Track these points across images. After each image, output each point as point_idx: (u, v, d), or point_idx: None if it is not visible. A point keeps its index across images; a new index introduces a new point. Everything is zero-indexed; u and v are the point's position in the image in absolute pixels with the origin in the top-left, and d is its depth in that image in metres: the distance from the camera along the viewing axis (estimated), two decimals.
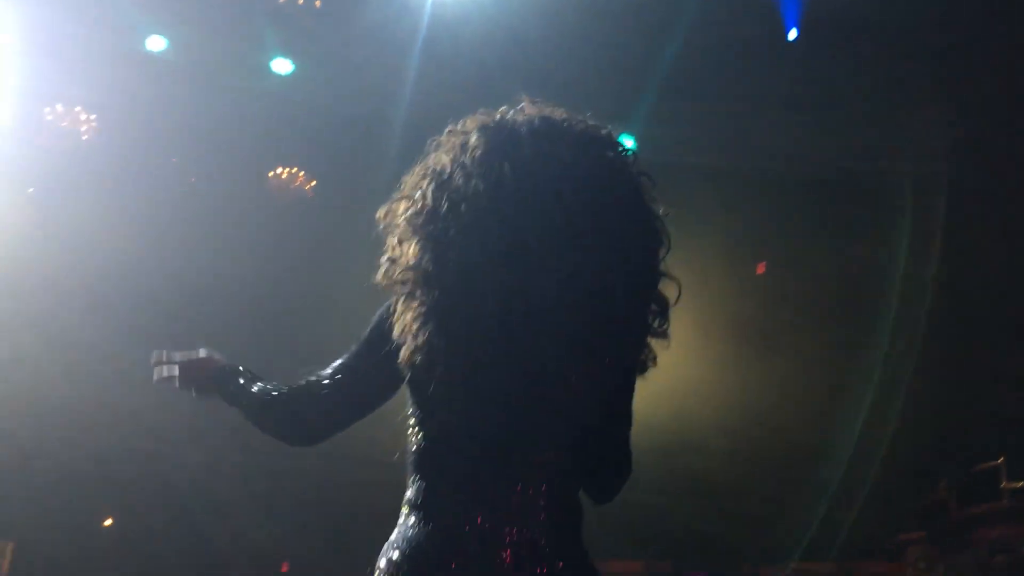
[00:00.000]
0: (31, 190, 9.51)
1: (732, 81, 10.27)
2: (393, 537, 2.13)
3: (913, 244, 10.85)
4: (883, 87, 10.27)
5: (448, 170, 2.11)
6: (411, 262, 2.07)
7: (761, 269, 11.93)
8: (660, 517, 11.26)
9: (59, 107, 9.90)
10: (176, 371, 2.54)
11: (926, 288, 10.89)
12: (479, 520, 2.03)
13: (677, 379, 10.80)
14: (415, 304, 2.05)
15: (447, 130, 2.23)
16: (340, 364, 2.26)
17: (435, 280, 2.03)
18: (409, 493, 2.15)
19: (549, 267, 1.99)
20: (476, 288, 1.99)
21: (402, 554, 2.06)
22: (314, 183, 11.69)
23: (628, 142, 10.58)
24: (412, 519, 2.10)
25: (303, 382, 2.29)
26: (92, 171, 9.60)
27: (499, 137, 2.11)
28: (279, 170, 11.60)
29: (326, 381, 2.24)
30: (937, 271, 10.87)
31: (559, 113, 2.18)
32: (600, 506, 2.24)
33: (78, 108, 9.94)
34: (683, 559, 12.18)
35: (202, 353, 2.54)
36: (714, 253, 11.15)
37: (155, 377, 2.56)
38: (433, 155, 2.19)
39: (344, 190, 10.22)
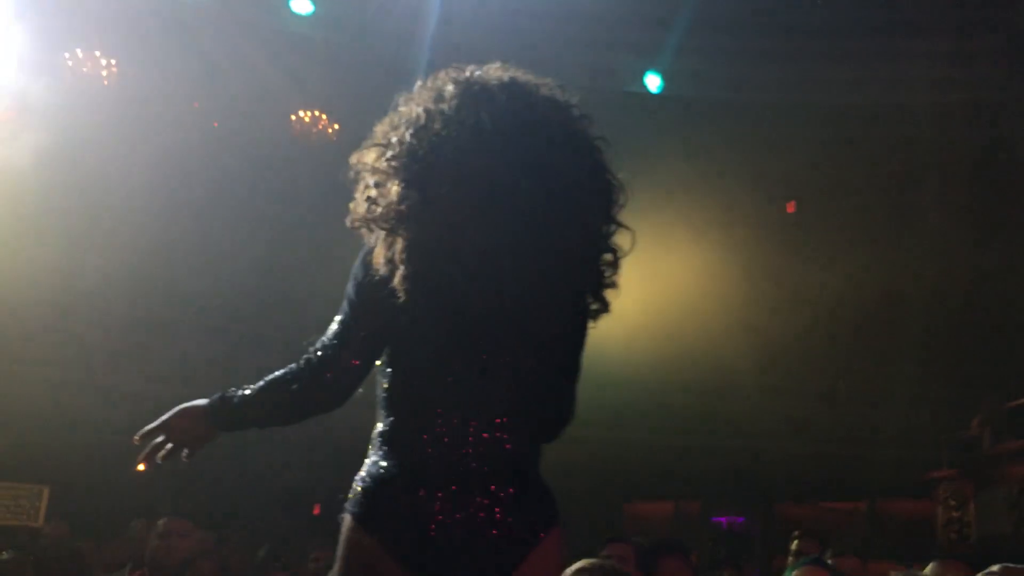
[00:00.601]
0: (56, 139, 9.48)
1: (761, 15, 10.03)
2: (364, 471, 2.22)
3: (945, 174, 10.64)
4: (917, 20, 10.00)
5: (424, 118, 2.20)
6: (394, 200, 2.14)
7: (791, 208, 11.77)
8: (690, 459, 11.28)
9: (79, 52, 9.83)
10: (161, 439, 2.37)
11: (958, 223, 10.72)
12: (444, 450, 2.15)
13: (707, 320, 10.74)
14: (401, 239, 2.13)
15: (417, 84, 2.29)
16: (341, 323, 2.28)
17: (422, 217, 2.12)
18: (379, 428, 2.24)
19: (524, 210, 2.12)
20: (460, 224, 2.11)
21: (375, 482, 2.17)
22: (337, 126, 11.60)
23: (655, 79, 10.31)
24: (383, 451, 2.20)
25: (312, 355, 2.27)
26: (114, 116, 9.55)
27: (473, 89, 2.22)
28: (301, 113, 11.51)
29: (333, 345, 2.26)
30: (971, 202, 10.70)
31: (525, 75, 2.29)
32: (547, 444, 2.32)
33: (98, 53, 9.87)
34: (712, 499, 12.25)
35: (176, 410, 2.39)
36: (743, 189, 11.00)
37: (143, 464, 2.38)
38: (404, 107, 2.26)
39: (367, 132, 10.10)
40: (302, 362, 2.28)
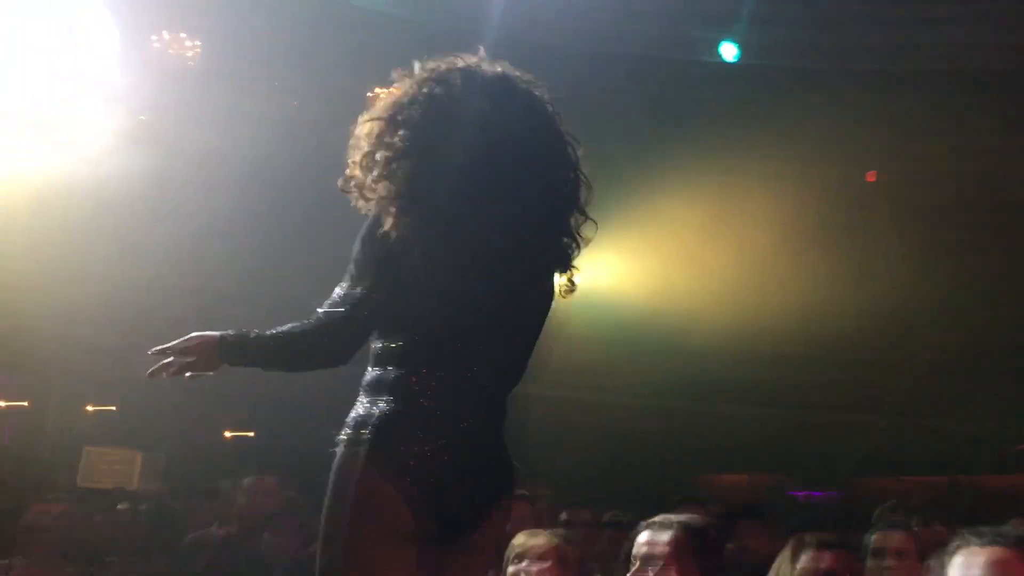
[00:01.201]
0: (143, 117, 9.76)
1: None
2: (361, 410, 2.43)
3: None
4: None
5: (430, 105, 2.46)
6: (406, 180, 2.38)
7: (871, 177, 11.54)
8: (769, 431, 11.21)
9: (165, 35, 10.08)
10: (171, 359, 2.59)
11: None
12: (438, 402, 2.37)
13: (785, 291, 10.65)
14: (411, 217, 2.35)
15: (419, 65, 2.61)
16: (349, 285, 2.45)
17: (431, 198, 2.36)
18: (375, 375, 2.45)
19: (518, 194, 2.39)
20: (465, 205, 2.37)
21: (373, 421, 2.38)
22: None
23: (731, 48, 10.21)
24: (379, 395, 2.42)
25: (321, 314, 2.44)
26: (200, 97, 9.79)
27: (475, 80, 2.52)
28: (378, 90, 11.63)
29: (342, 304, 2.43)
30: None
31: (511, 70, 2.59)
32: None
33: (183, 35, 10.11)
34: (791, 472, 12.16)
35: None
36: (821, 158, 10.82)
37: (151, 374, 2.61)
38: (407, 84, 2.55)
39: None
40: (311, 319, 2.47)
